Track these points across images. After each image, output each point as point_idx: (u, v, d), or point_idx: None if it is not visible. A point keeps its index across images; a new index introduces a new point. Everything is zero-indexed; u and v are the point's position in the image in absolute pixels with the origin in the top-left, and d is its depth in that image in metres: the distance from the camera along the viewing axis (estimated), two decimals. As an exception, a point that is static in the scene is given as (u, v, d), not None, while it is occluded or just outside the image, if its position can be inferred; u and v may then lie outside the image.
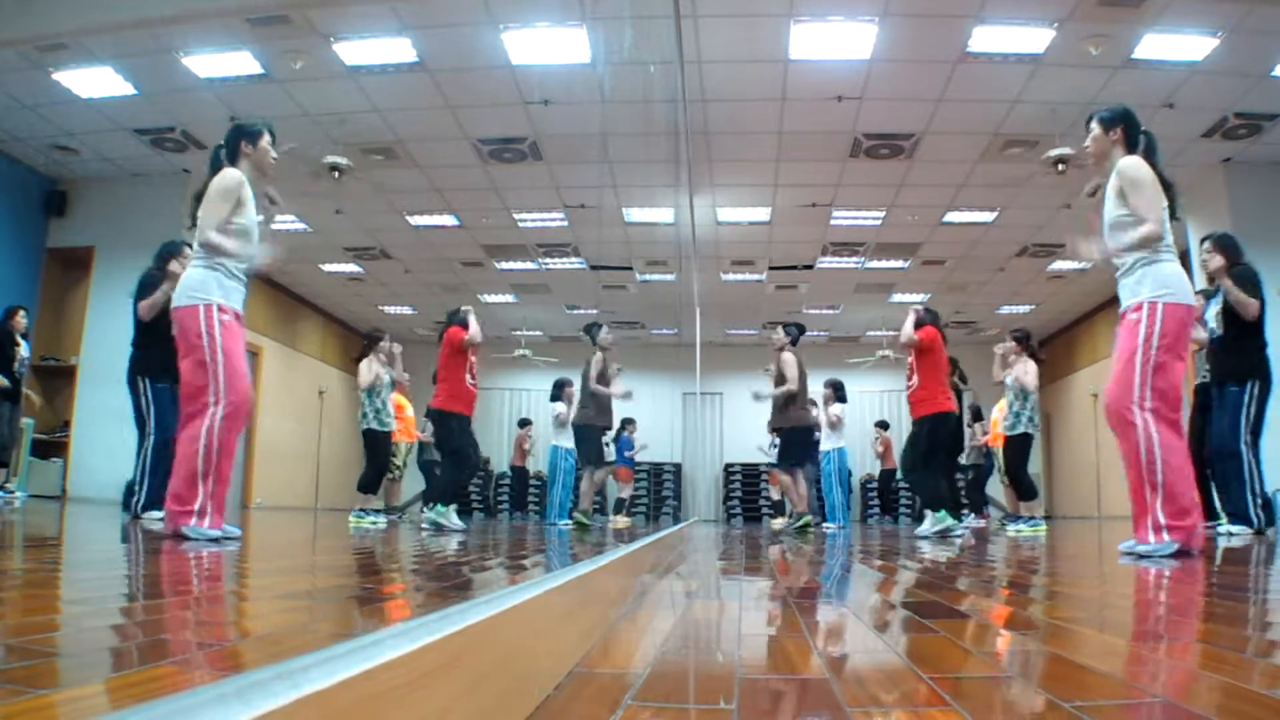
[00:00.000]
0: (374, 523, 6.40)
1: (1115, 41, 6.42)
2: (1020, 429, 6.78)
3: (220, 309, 3.17)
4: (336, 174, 8.19)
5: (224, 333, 3.15)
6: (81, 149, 8.63)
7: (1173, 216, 3.13)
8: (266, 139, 3.45)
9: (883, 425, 12.33)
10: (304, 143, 8.07)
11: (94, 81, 7.23)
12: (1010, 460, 6.99)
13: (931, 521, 5.73)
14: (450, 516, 5.60)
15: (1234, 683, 0.92)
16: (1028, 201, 9.49)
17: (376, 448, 6.94)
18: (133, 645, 1.05)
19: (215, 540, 3.06)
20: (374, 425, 6.89)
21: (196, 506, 3.08)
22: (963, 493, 9.13)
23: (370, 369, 6.82)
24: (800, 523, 7.10)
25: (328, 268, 12.42)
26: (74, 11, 5.95)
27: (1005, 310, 13.97)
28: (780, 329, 7.36)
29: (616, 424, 11.42)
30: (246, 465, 12.41)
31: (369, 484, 6.90)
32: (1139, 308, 3.09)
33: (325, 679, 0.44)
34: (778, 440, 7.54)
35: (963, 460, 8.91)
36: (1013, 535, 6.13)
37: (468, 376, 5.88)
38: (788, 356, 7.18)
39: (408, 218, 10.36)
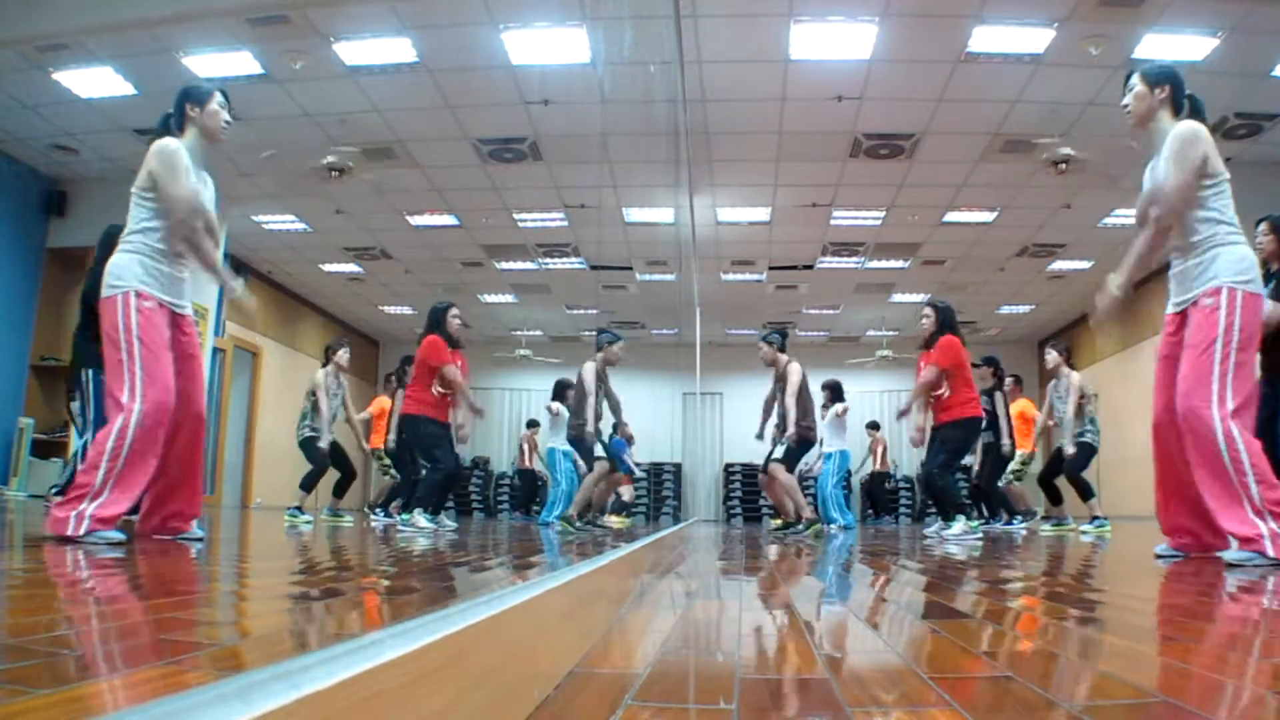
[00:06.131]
0: (307, 521, 6.46)
1: (1115, 41, 6.42)
2: (1086, 438, 6.92)
3: (139, 295, 2.89)
4: (336, 174, 8.19)
5: (141, 323, 2.86)
6: (81, 149, 8.63)
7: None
8: (217, 100, 3.20)
9: (874, 426, 12.33)
10: (291, 146, 8.06)
11: (94, 81, 7.23)
12: (1074, 467, 7.00)
13: (962, 526, 5.62)
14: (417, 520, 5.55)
15: (1232, 681, 0.92)
16: (1028, 201, 9.49)
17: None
18: (131, 645, 1.05)
19: (108, 541, 2.72)
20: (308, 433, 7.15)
21: (75, 511, 2.71)
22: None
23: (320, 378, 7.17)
24: (810, 528, 6.65)
25: (328, 268, 12.42)
26: (74, 11, 5.95)
27: (1005, 310, 13.97)
28: (761, 342, 6.92)
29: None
30: (246, 465, 12.42)
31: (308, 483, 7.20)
32: (1215, 293, 2.74)
33: (325, 679, 0.44)
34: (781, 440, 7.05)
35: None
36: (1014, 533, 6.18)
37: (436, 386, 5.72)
38: (794, 367, 6.71)
39: (408, 218, 10.36)
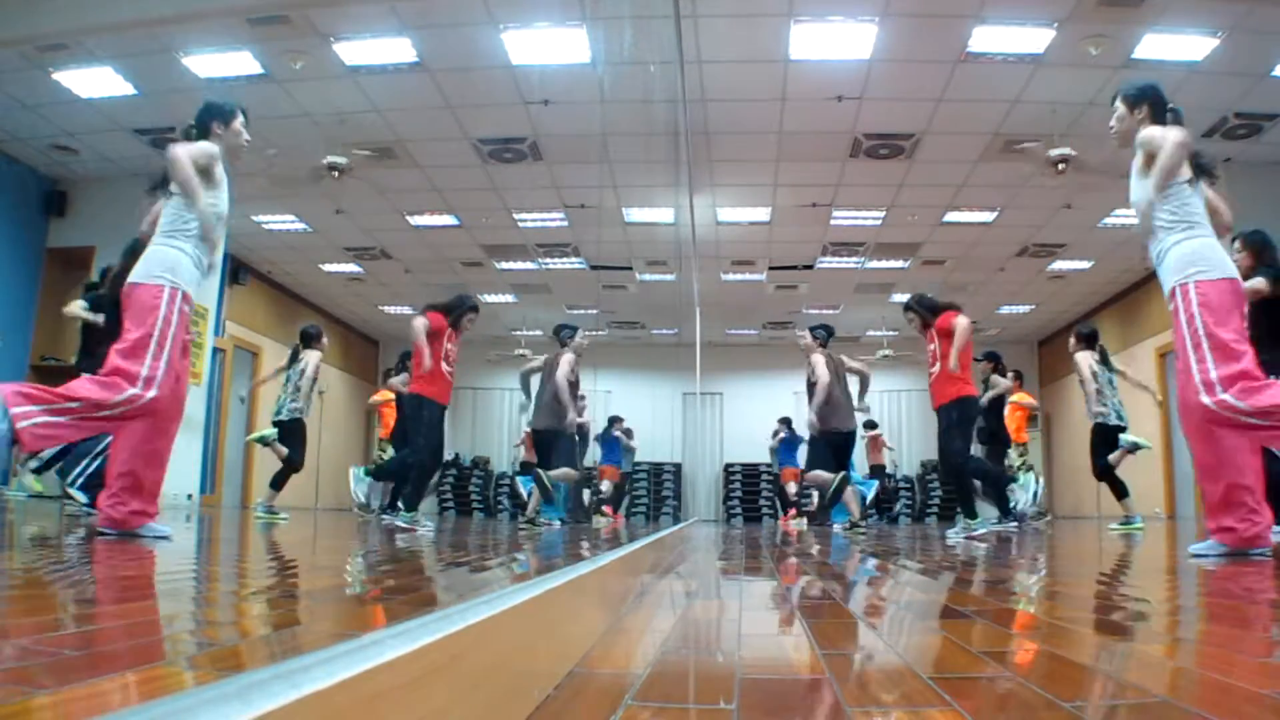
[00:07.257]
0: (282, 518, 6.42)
1: (1115, 41, 6.42)
2: (1102, 420, 6.83)
3: (185, 298, 2.97)
4: (336, 174, 8.18)
5: (181, 322, 2.94)
6: (81, 149, 8.63)
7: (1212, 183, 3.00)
8: (240, 120, 3.31)
9: (870, 425, 12.35)
10: (290, 146, 8.04)
11: (94, 81, 7.23)
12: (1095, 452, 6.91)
13: (962, 527, 5.58)
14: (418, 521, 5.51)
15: (1233, 682, 0.92)
16: (1028, 201, 9.49)
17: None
18: (131, 645, 1.05)
19: (165, 537, 2.94)
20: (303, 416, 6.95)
21: (129, 509, 2.89)
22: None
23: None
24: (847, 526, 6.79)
25: (328, 268, 12.42)
26: (74, 11, 5.95)
27: (1005, 310, 13.97)
28: (808, 332, 7.07)
29: (598, 424, 11.18)
30: (246, 466, 12.41)
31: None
32: (1171, 296, 2.87)
33: (325, 679, 0.44)
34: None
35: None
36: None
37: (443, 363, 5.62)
38: (816, 358, 6.87)
39: (408, 218, 10.36)
